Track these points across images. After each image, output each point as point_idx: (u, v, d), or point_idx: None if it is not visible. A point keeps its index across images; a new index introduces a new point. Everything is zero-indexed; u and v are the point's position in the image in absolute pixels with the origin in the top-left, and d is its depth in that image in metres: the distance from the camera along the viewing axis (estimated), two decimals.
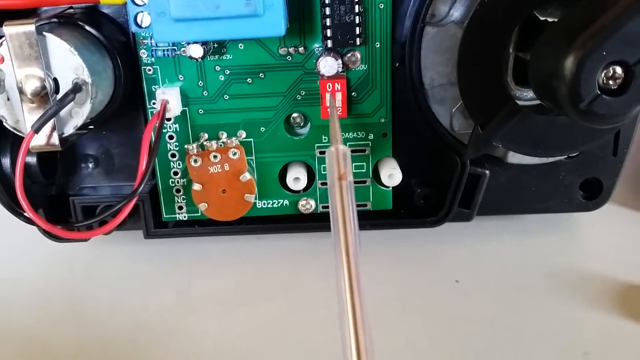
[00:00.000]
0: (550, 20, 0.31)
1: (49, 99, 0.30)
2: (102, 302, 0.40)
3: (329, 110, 0.34)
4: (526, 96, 0.34)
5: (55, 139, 0.31)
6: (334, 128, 0.32)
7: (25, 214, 0.31)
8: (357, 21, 0.33)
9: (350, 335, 0.24)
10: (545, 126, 0.34)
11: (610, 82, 0.27)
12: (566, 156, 0.37)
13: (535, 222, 0.41)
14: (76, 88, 0.30)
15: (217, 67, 0.35)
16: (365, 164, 0.37)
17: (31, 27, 0.29)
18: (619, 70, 0.27)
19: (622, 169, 0.38)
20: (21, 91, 0.30)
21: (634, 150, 0.38)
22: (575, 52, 0.27)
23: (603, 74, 0.27)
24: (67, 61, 0.30)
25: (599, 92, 0.27)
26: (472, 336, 0.37)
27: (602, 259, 0.40)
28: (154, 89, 0.35)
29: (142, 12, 0.30)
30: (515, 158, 0.37)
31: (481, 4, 0.32)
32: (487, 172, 0.37)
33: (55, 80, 0.30)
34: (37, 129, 0.29)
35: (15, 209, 0.33)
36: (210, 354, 0.37)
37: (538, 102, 0.32)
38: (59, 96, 0.30)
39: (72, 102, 0.30)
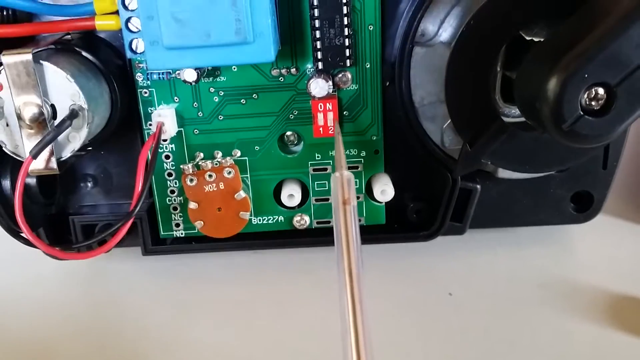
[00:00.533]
0: (536, 40, 0.32)
1: (47, 124, 0.31)
2: (102, 317, 0.41)
3: (325, 132, 0.35)
4: (514, 113, 0.35)
5: (53, 163, 0.32)
6: (339, 154, 0.33)
7: (24, 235, 0.32)
8: (346, 43, 0.33)
9: (352, 354, 0.24)
10: (533, 143, 0.34)
11: (593, 103, 0.28)
12: (556, 170, 0.38)
13: (527, 234, 0.42)
14: (73, 114, 0.31)
15: (211, 88, 0.35)
16: (358, 180, 0.38)
17: (28, 57, 0.30)
18: (601, 91, 0.28)
19: (613, 181, 0.39)
20: (20, 117, 0.31)
21: (626, 160, 0.39)
22: (558, 73, 0.28)
23: (585, 95, 0.28)
24: (63, 88, 0.31)
25: (581, 113, 0.28)
26: (466, 348, 0.38)
27: (595, 271, 0.41)
28: (150, 111, 0.36)
29: (136, 38, 0.31)
30: (505, 173, 0.37)
31: (468, 25, 0.32)
32: (478, 186, 0.38)
33: (52, 106, 0.31)
34: (35, 155, 0.30)
35: (15, 231, 0.34)
36: None
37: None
38: (56, 122, 0.31)
39: (70, 128, 0.31)
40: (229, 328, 0.39)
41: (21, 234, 0.33)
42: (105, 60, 0.34)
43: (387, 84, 0.36)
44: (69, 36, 0.34)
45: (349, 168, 0.37)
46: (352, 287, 0.26)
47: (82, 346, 0.39)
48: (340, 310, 0.26)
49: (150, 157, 0.34)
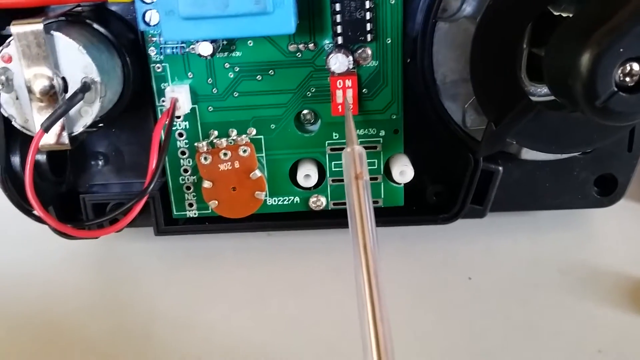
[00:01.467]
0: (564, 15, 0.31)
1: (58, 98, 0.30)
2: (113, 298, 0.40)
3: (343, 110, 0.34)
4: (540, 92, 0.34)
5: (64, 138, 0.31)
6: (350, 129, 0.32)
7: (35, 212, 0.31)
8: (367, 17, 0.32)
9: (369, 329, 0.24)
10: (559, 122, 0.33)
11: (627, 79, 0.27)
12: (581, 152, 0.37)
13: (548, 218, 0.41)
14: (85, 87, 0.30)
15: (226, 64, 0.34)
16: (376, 160, 0.37)
17: (39, 26, 0.29)
18: (636, 67, 0.26)
19: (637, 164, 0.38)
20: (30, 90, 0.30)
21: None
22: (591, 48, 0.26)
23: (620, 71, 0.27)
24: (75, 60, 0.30)
25: (615, 89, 0.27)
26: (486, 333, 0.37)
27: (616, 255, 0.40)
28: (163, 87, 0.35)
29: (150, 9, 0.30)
30: (529, 154, 0.36)
31: (493, 0, 0.31)
32: (500, 168, 0.37)
33: (63, 79, 0.30)
34: (46, 128, 0.29)
35: (26, 208, 0.33)
36: (221, 350, 0.38)
37: (552, 98, 0.32)
38: (67, 95, 0.30)
39: (81, 101, 0.30)
40: (242, 310, 0.39)
41: (32, 212, 0.32)
42: (117, 33, 0.33)
43: (409, 60, 0.35)
44: (80, 8, 0.33)
45: (368, 148, 0.36)
46: (368, 261, 0.26)
47: (93, 326, 0.39)
48: (356, 285, 0.26)
49: (164, 134, 0.33)
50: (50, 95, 0.30)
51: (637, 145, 0.37)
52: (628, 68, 0.27)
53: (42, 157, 0.35)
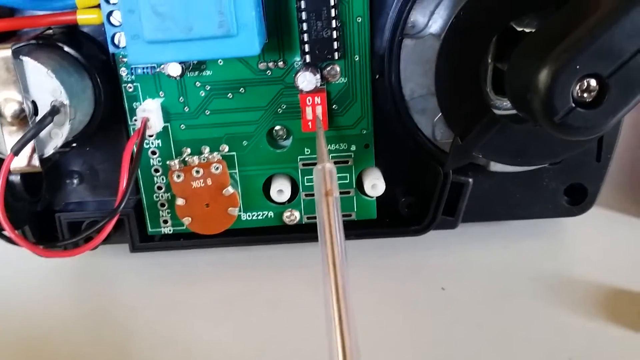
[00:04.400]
0: (527, 31, 0.32)
1: (28, 121, 0.30)
2: (91, 315, 0.40)
3: (313, 127, 0.34)
4: (505, 106, 0.34)
5: (35, 160, 0.31)
6: (320, 146, 0.33)
7: (5, 233, 0.32)
8: (334, 36, 0.33)
9: (337, 344, 0.24)
10: (525, 135, 0.34)
11: (585, 94, 0.27)
12: (548, 163, 0.37)
13: (520, 227, 0.41)
14: (54, 110, 0.30)
15: (197, 83, 0.35)
16: (348, 174, 0.37)
17: (7, 52, 0.29)
18: (593, 82, 0.27)
19: (607, 173, 0.38)
20: (0, 114, 0.30)
21: (620, 153, 0.38)
22: (549, 65, 0.27)
23: (577, 87, 0.27)
24: (44, 84, 0.30)
25: (573, 105, 0.27)
26: (459, 342, 0.38)
27: (588, 264, 0.40)
28: (135, 106, 0.35)
29: (119, 32, 0.30)
30: (497, 166, 0.37)
31: (457, 16, 0.32)
32: (470, 180, 0.37)
33: (33, 102, 0.30)
34: (16, 152, 0.30)
35: None
36: None
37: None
38: (37, 118, 0.30)
39: (51, 124, 0.30)
40: (219, 324, 0.39)
41: (3, 233, 0.32)
42: (88, 55, 0.33)
43: (377, 77, 0.35)
44: (51, 31, 0.33)
45: (339, 162, 0.37)
46: (336, 278, 0.26)
47: (69, 344, 0.39)
48: (324, 301, 0.26)
49: (135, 153, 0.33)
50: (21, 119, 0.30)
51: (605, 154, 0.38)
52: (585, 84, 0.27)
53: (16, 178, 0.35)
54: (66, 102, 0.30)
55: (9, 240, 0.33)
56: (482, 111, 0.33)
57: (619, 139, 0.38)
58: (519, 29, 0.32)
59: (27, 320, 0.40)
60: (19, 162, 0.31)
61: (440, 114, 0.35)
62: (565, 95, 0.27)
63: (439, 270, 0.40)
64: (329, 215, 0.28)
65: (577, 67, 0.27)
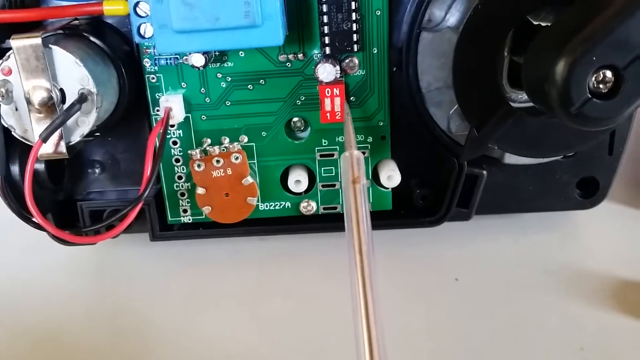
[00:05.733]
0: (543, 24, 0.32)
1: (56, 109, 0.31)
2: (110, 303, 0.41)
3: (332, 118, 0.35)
4: (521, 98, 0.35)
5: (62, 147, 0.32)
6: (348, 134, 0.33)
7: (34, 219, 0.32)
8: (354, 28, 0.33)
9: (363, 331, 0.25)
10: (540, 128, 0.34)
11: (601, 85, 0.28)
12: (562, 156, 0.38)
13: (533, 220, 0.42)
14: (82, 98, 0.31)
15: (218, 74, 0.35)
16: (365, 166, 0.38)
17: (38, 40, 0.30)
18: (609, 74, 0.28)
19: (619, 167, 0.39)
20: (29, 102, 0.31)
21: (631, 147, 0.39)
22: (566, 56, 0.28)
23: (593, 78, 0.28)
24: (72, 72, 0.31)
25: (589, 96, 0.28)
26: (472, 333, 0.38)
27: (600, 256, 0.41)
28: (157, 97, 0.36)
29: (144, 23, 0.31)
30: (511, 159, 0.37)
31: (475, 10, 0.32)
32: (485, 172, 0.38)
33: (61, 90, 0.31)
34: (45, 138, 0.30)
35: (25, 215, 0.34)
36: (215, 354, 0.38)
37: (532, 104, 0.33)
38: (65, 106, 0.31)
39: (79, 112, 0.31)
40: (237, 313, 0.39)
41: (31, 219, 0.33)
42: (112, 45, 0.34)
43: (394, 69, 0.36)
44: (77, 21, 0.34)
45: None
46: (363, 265, 0.27)
47: (89, 332, 0.39)
48: (351, 287, 0.27)
49: (158, 142, 0.34)
50: (49, 106, 0.31)
51: (617, 148, 0.38)
52: (601, 75, 0.28)
53: (40, 166, 0.36)
54: (94, 90, 0.31)
55: (36, 225, 0.33)
56: (498, 103, 0.34)
57: (631, 133, 0.38)
58: (535, 23, 0.32)
59: (48, 308, 0.41)
60: (47, 149, 0.32)
61: (455, 106, 0.36)
62: (582, 86, 0.28)
63: (452, 261, 0.41)
64: (357, 202, 0.29)
65: (594, 58, 0.27)
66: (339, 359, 0.38)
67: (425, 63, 0.35)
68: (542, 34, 0.31)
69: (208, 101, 0.36)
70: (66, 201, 0.39)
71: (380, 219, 0.39)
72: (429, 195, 0.39)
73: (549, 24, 0.32)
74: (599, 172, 0.39)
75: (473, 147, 0.35)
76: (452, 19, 0.34)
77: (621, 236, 0.42)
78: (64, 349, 0.40)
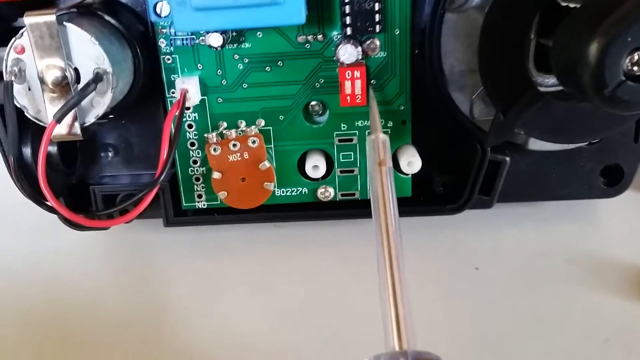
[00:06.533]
0: (571, 5, 0.31)
1: (70, 88, 0.30)
2: (124, 289, 0.40)
3: (352, 101, 0.34)
4: (548, 82, 0.34)
5: (77, 129, 0.31)
6: (374, 117, 0.33)
7: (48, 203, 0.32)
8: (376, 8, 0.32)
9: (391, 312, 0.25)
10: (567, 113, 0.33)
11: (635, 68, 0.27)
12: (587, 143, 0.37)
13: (555, 208, 0.41)
14: (97, 78, 0.30)
15: (235, 55, 0.34)
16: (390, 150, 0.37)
17: (52, 17, 0.29)
18: None
19: None
20: (42, 81, 0.30)
21: None
22: (599, 38, 0.27)
23: (627, 60, 0.27)
24: (88, 51, 0.30)
25: (623, 78, 0.27)
26: (493, 322, 0.38)
27: (623, 245, 0.40)
28: (172, 78, 0.35)
29: (161, 1, 0.30)
30: (536, 145, 0.36)
31: None
32: (508, 159, 0.37)
33: (76, 70, 0.30)
34: (59, 119, 0.30)
35: (38, 198, 0.34)
36: (231, 340, 0.38)
37: (560, 88, 0.32)
38: (80, 86, 0.30)
39: (94, 92, 0.30)
40: (251, 300, 0.39)
41: (45, 202, 0.32)
42: (127, 25, 0.33)
43: (417, 51, 0.35)
44: (91, 0, 0.33)
45: None
46: (389, 247, 0.27)
47: (103, 317, 0.39)
48: (378, 271, 0.26)
49: (174, 125, 0.33)
50: (63, 86, 0.30)
51: None
52: (636, 57, 0.27)
53: (53, 149, 0.35)
54: (109, 69, 0.30)
55: (50, 209, 0.32)
56: (525, 87, 0.32)
57: None
58: (564, 4, 0.31)
59: (59, 292, 0.40)
60: (60, 130, 0.31)
61: (478, 90, 0.35)
62: (616, 69, 0.27)
63: (472, 250, 0.40)
64: (383, 185, 0.29)
65: (628, 39, 0.26)
66: (355, 346, 0.37)
67: (448, 45, 0.34)
68: (572, 15, 0.30)
69: (224, 83, 0.35)
70: (78, 185, 0.38)
71: (400, 206, 0.37)
72: (450, 182, 0.38)
73: (578, 5, 0.31)
74: (623, 160, 0.38)
75: (499, 132, 0.34)
76: None
77: None
78: (76, 334, 0.39)
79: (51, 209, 0.32)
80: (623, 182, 0.39)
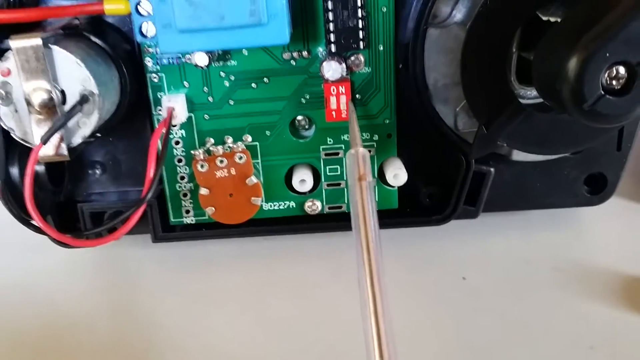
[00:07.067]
0: (552, 20, 0.32)
1: (57, 110, 0.30)
2: (113, 306, 0.40)
3: (337, 116, 0.35)
4: (529, 95, 0.34)
5: (63, 150, 0.31)
6: (354, 131, 0.33)
7: (34, 223, 0.32)
8: (360, 25, 0.33)
9: (372, 329, 0.25)
10: (549, 124, 0.34)
11: (614, 82, 0.27)
12: (571, 152, 0.38)
13: (540, 217, 0.42)
14: (83, 99, 0.30)
15: (222, 73, 0.35)
16: (370, 164, 0.37)
17: (38, 41, 0.29)
18: (622, 70, 0.27)
19: (627, 163, 0.38)
20: (29, 103, 0.30)
21: (639, 143, 0.38)
22: (578, 53, 0.27)
23: (606, 75, 0.27)
24: (73, 73, 0.30)
25: (602, 93, 0.27)
26: (481, 332, 0.38)
27: (608, 253, 0.41)
28: (159, 96, 0.35)
29: (146, 22, 0.31)
30: (519, 155, 0.37)
31: (484, 5, 0.32)
32: (492, 169, 0.37)
33: (62, 92, 0.30)
34: (45, 141, 0.30)
35: (25, 219, 0.34)
36: (220, 357, 0.38)
37: (541, 100, 0.33)
38: (66, 107, 0.30)
39: (80, 113, 0.30)
40: (241, 315, 0.39)
41: (31, 222, 0.32)
42: (114, 45, 0.33)
43: (400, 66, 0.35)
44: (77, 21, 0.33)
45: None
46: (370, 261, 0.27)
47: (93, 334, 0.39)
48: (359, 284, 0.27)
49: (161, 143, 0.33)
50: (49, 107, 0.30)
51: (626, 144, 0.38)
52: (614, 72, 0.27)
53: (40, 168, 0.35)
54: (95, 91, 0.30)
55: (37, 229, 0.33)
56: (507, 100, 0.33)
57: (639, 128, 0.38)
58: (544, 18, 0.32)
59: (50, 311, 0.40)
60: (47, 151, 0.31)
61: (462, 103, 0.36)
62: (595, 83, 0.27)
63: (459, 260, 0.41)
64: (363, 200, 0.29)
65: (607, 54, 0.27)
66: (347, 358, 0.37)
67: (432, 59, 0.35)
68: (553, 30, 0.30)
69: (211, 100, 0.35)
70: (66, 203, 0.38)
71: (386, 218, 0.38)
72: (436, 193, 0.39)
73: (559, 20, 0.31)
74: (607, 168, 0.39)
75: (482, 145, 0.34)
76: (459, 15, 0.33)
77: (629, 232, 0.42)
78: (66, 353, 0.39)
79: (39, 230, 0.32)
80: (607, 190, 0.39)
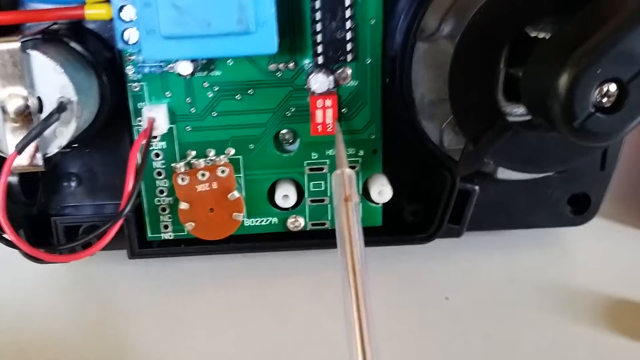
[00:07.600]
0: (541, 36, 0.31)
1: (33, 118, 0.29)
2: (85, 325, 0.39)
3: (323, 130, 0.34)
4: (517, 112, 0.34)
5: (39, 159, 0.30)
6: (340, 150, 0.33)
7: (6, 236, 0.30)
8: (348, 37, 0.32)
9: (358, 351, 0.25)
10: (536, 142, 0.34)
11: (604, 99, 0.27)
12: (555, 171, 0.37)
13: (524, 237, 0.41)
14: (61, 107, 0.29)
15: (205, 83, 0.34)
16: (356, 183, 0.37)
17: (15, 45, 0.28)
18: (613, 87, 0.27)
19: (610, 183, 0.38)
20: (4, 110, 0.29)
21: (622, 164, 0.38)
22: (569, 69, 0.27)
23: (597, 92, 0.27)
24: (52, 79, 0.29)
25: (592, 110, 0.27)
26: (463, 352, 0.37)
27: (591, 273, 0.41)
28: (140, 106, 0.34)
29: (129, 28, 0.30)
30: (504, 174, 0.36)
31: (472, 21, 0.32)
32: (477, 187, 0.37)
33: (39, 99, 0.29)
34: (20, 150, 0.28)
35: None
36: None
37: (529, 118, 0.32)
38: (43, 115, 0.29)
39: (57, 122, 0.29)
40: (220, 334, 0.38)
41: (3, 235, 0.31)
42: (94, 52, 0.32)
43: (387, 80, 0.35)
44: (57, 26, 0.32)
45: None
46: (356, 283, 0.26)
47: (65, 355, 0.37)
48: (344, 310, 0.26)
49: (141, 155, 0.32)
50: (25, 115, 0.29)
51: (609, 164, 0.38)
52: (605, 89, 0.27)
53: (14, 179, 0.34)
54: (74, 99, 0.29)
55: (8, 243, 0.31)
56: (494, 117, 0.33)
57: (623, 148, 0.38)
58: (533, 35, 0.32)
59: (22, 329, 0.39)
60: (22, 161, 0.30)
61: (448, 119, 0.35)
62: (585, 100, 0.27)
63: (442, 279, 0.40)
64: (349, 221, 0.28)
65: (598, 71, 0.27)
66: None
67: (419, 74, 0.34)
68: (542, 46, 0.30)
69: (193, 111, 0.35)
70: (40, 215, 0.37)
71: (370, 235, 0.37)
72: (420, 211, 0.38)
73: (547, 36, 0.31)
74: (590, 188, 0.39)
75: (469, 162, 0.34)
76: (447, 28, 0.33)
77: (612, 253, 0.42)
78: None
79: (10, 244, 0.31)
80: (590, 210, 0.39)
